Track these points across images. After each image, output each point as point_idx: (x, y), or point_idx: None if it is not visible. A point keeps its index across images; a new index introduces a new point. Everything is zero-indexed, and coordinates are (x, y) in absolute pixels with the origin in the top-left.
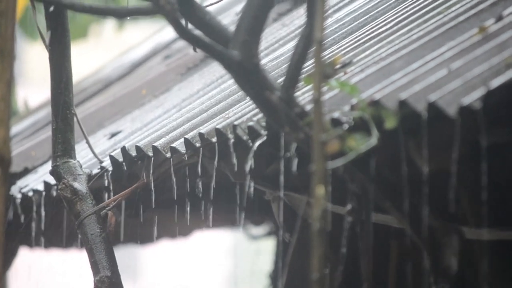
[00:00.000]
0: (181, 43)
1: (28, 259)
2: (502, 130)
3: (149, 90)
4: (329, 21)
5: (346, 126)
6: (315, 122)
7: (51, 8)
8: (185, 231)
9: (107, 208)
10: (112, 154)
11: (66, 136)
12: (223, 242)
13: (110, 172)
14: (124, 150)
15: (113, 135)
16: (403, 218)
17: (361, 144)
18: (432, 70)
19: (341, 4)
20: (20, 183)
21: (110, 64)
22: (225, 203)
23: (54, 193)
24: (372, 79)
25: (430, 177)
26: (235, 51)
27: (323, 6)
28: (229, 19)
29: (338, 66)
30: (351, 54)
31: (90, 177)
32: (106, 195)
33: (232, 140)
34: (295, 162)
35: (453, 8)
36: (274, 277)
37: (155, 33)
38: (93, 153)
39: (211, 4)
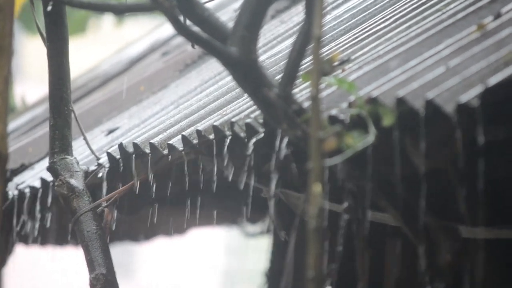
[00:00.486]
0: (179, 39)
1: (24, 256)
2: (500, 128)
3: (147, 87)
4: (328, 18)
5: (343, 124)
6: (312, 120)
7: (49, 8)
8: (181, 229)
9: (103, 205)
10: (109, 150)
11: (64, 133)
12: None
13: (107, 169)
14: (121, 146)
15: (110, 131)
16: (399, 217)
17: (358, 142)
18: (430, 67)
19: (339, 1)
20: (17, 179)
21: (108, 60)
22: (222, 201)
23: (51, 190)
24: (370, 77)
25: (427, 175)
26: (233, 48)
27: (321, 3)
28: (227, 16)
29: (336, 63)
30: (349, 51)
31: (87, 173)
32: (103, 192)
33: (229, 137)
34: (292, 160)
35: (452, 6)
36: (270, 275)
37: (153, 29)
38: (90, 149)
39: (210, 1)
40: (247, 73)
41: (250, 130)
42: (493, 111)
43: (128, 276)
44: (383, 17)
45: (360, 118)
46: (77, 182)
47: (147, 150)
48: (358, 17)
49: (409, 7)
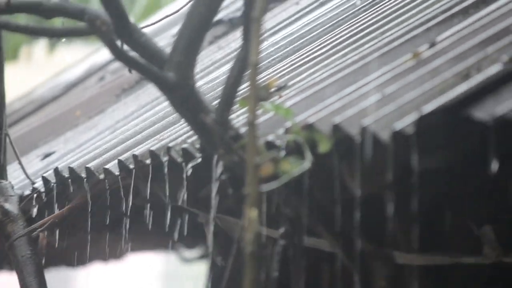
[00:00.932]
0: (117, 64)
1: None
2: (434, 155)
3: (83, 112)
4: (265, 44)
5: (280, 149)
6: (249, 145)
7: None
8: (118, 254)
9: (38, 230)
10: (45, 175)
11: None
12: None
13: (43, 193)
14: (56, 171)
15: (46, 156)
16: (335, 242)
17: (295, 168)
18: (366, 94)
19: (277, 28)
20: None
21: (44, 84)
22: (158, 226)
23: None
24: (306, 103)
25: (363, 201)
26: (171, 73)
27: (259, 29)
28: (165, 41)
29: (273, 89)
30: (286, 77)
31: (21, 198)
32: (38, 216)
33: (166, 163)
34: (229, 185)
35: (388, 33)
36: None
37: (90, 54)
38: (25, 174)
39: (148, 26)
40: (184, 99)
41: (187, 155)
42: (428, 138)
43: None
44: (320, 44)
45: (297, 144)
46: (11, 206)
47: (83, 175)
48: (296, 44)
49: (346, 34)
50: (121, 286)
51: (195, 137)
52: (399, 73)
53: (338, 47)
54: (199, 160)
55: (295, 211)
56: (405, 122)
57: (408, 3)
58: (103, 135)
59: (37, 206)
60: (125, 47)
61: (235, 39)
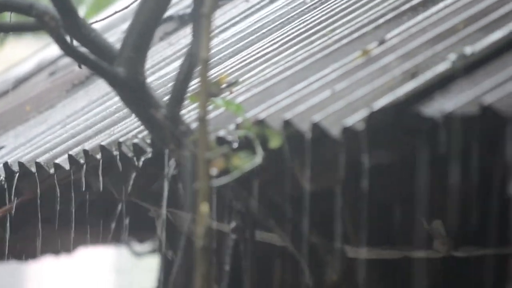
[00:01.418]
0: (67, 59)
1: None
2: (384, 151)
3: (33, 107)
4: (215, 41)
5: (231, 145)
6: (200, 140)
7: None
8: (69, 248)
9: None
10: None
11: None
12: (108, 259)
13: None
14: (6, 165)
15: None
16: (286, 237)
17: (246, 163)
18: (316, 91)
19: (227, 25)
20: None
21: None
22: (109, 220)
23: None
24: (257, 99)
25: (314, 196)
26: (121, 69)
27: (209, 25)
28: (115, 37)
29: (223, 86)
30: (237, 74)
31: None
32: None
33: (117, 157)
34: (180, 180)
35: (337, 31)
36: None
37: (40, 49)
38: None
39: (98, 21)
40: (134, 94)
41: (138, 150)
42: (378, 134)
43: None
44: (270, 41)
45: (248, 139)
46: None
47: (33, 169)
48: (246, 40)
49: (296, 31)
50: (72, 280)
51: (146, 132)
52: (349, 70)
53: (289, 44)
54: (150, 155)
55: (246, 205)
56: (355, 118)
57: (358, 1)
58: (53, 130)
59: None
60: (75, 42)
61: (185, 35)
